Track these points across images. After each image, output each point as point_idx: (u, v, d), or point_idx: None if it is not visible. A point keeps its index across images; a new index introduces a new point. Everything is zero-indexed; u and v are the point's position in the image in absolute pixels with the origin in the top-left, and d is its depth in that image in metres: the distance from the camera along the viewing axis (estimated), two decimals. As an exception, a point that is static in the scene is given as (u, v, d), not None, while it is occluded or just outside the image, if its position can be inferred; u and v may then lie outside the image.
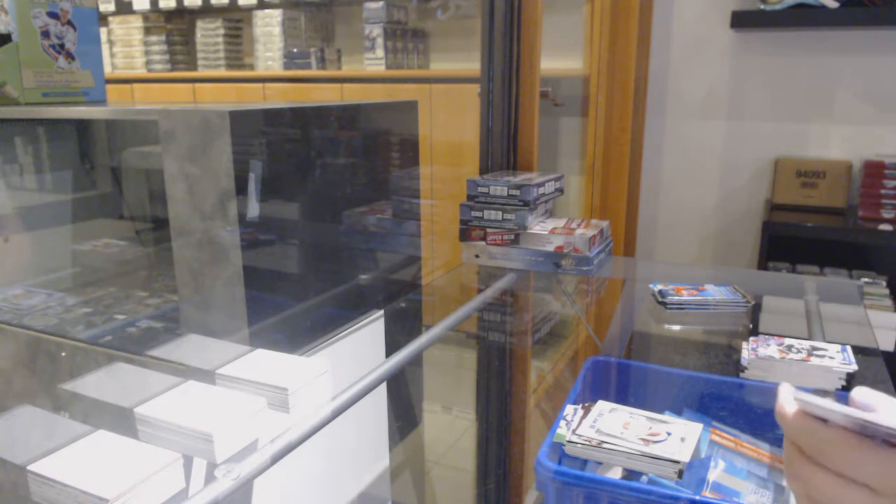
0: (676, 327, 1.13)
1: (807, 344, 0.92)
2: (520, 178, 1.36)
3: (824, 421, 0.43)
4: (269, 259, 0.88)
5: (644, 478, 0.74)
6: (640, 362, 0.95)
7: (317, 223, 0.96)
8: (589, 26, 2.28)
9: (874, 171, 2.07)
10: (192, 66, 3.41)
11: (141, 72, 3.43)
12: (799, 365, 0.87)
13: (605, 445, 0.70)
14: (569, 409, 0.77)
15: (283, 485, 0.83)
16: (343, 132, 1.00)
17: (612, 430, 0.72)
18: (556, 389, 1.44)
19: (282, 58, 3.09)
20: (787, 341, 0.93)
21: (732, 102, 2.34)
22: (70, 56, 1.08)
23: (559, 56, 2.52)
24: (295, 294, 0.92)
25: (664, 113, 2.45)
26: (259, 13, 3.13)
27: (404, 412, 1.18)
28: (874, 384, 0.47)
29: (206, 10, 3.27)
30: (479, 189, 1.32)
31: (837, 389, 0.86)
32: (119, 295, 1.04)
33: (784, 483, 0.83)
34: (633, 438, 0.71)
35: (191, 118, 0.80)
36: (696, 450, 0.69)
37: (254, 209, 0.82)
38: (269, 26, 3.11)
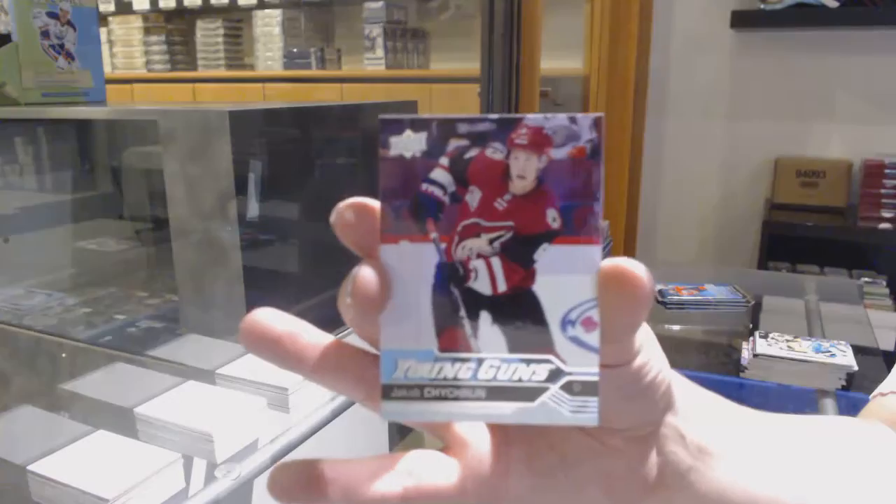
0: (676, 327, 1.13)
1: (807, 343, 0.92)
2: (520, 177, 1.35)
3: None
4: (270, 259, 0.88)
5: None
6: (640, 362, 0.95)
7: (317, 223, 0.95)
8: (589, 26, 2.28)
9: (874, 170, 2.07)
10: (192, 66, 3.41)
11: (141, 72, 3.43)
12: (799, 364, 0.87)
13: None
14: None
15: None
16: (343, 132, 1.00)
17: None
18: (556, 389, 1.44)
19: (282, 58, 3.09)
20: (788, 341, 0.93)
21: (732, 102, 2.34)
22: (70, 56, 1.08)
23: (559, 56, 2.52)
24: (295, 294, 0.92)
25: (664, 113, 2.45)
26: (259, 13, 3.13)
27: (404, 412, 1.17)
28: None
29: (206, 10, 3.27)
30: (479, 189, 1.31)
31: (838, 389, 0.86)
32: (119, 295, 1.04)
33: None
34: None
35: (190, 118, 0.80)
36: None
37: (254, 209, 0.82)
38: (268, 26, 3.11)
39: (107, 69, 3.40)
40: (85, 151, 1.23)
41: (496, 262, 0.23)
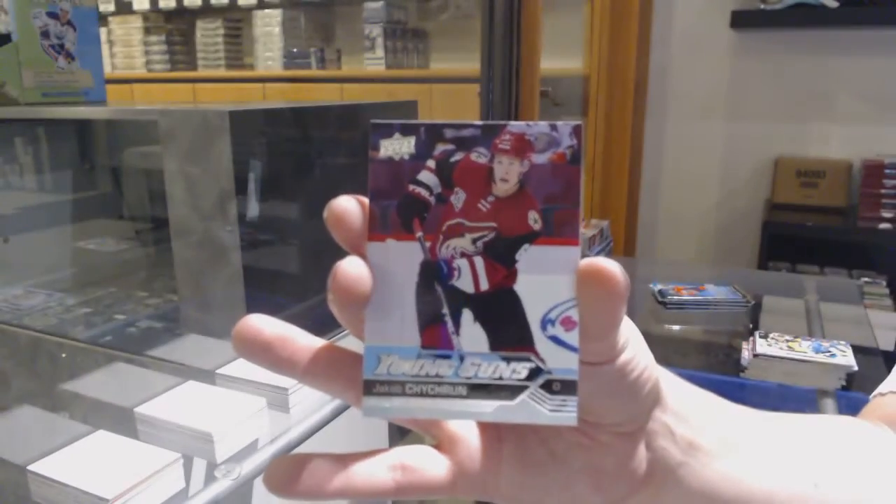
0: (676, 327, 1.13)
1: (807, 343, 0.92)
2: (520, 177, 1.35)
3: None
4: (270, 259, 0.88)
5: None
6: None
7: (317, 223, 0.95)
8: (589, 26, 2.28)
9: (874, 170, 2.07)
10: (192, 66, 3.41)
11: (141, 72, 3.43)
12: (799, 364, 0.87)
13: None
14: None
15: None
16: (343, 132, 1.00)
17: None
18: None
19: (282, 58, 3.08)
20: (788, 341, 0.93)
21: (732, 102, 2.34)
22: (70, 56, 1.08)
23: (559, 56, 2.52)
24: (295, 294, 0.92)
25: (664, 112, 2.45)
26: (259, 13, 3.13)
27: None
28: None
29: (206, 10, 3.27)
30: (479, 189, 1.31)
31: (838, 389, 0.86)
32: (119, 295, 1.04)
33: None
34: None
35: (190, 118, 0.80)
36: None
37: (254, 209, 0.82)
38: (268, 26, 3.11)
39: (107, 69, 3.40)
40: (85, 151, 1.23)
41: (479, 262, 0.24)
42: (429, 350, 0.24)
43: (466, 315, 0.24)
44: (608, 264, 0.22)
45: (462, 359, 0.24)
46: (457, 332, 0.24)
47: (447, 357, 0.24)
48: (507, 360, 0.24)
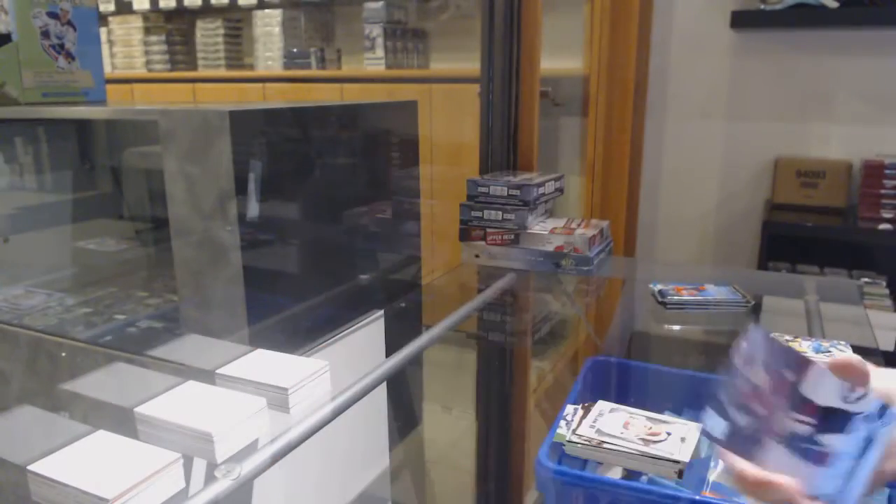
0: (677, 327, 1.13)
1: (807, 344, 0.92)
2: (520, 178, 1.36)
3: None
4: (269, 259, 0.88)
5: (644, 478, 0.74)
6: (640, 362, 0.95)
7: (317, 223, 0.96)
8: (589, 26, 2.28)
9: (874, 170, 2.07)
10: (192, 66, 3.41)
11: (141, 72, 3.43)
12: (799, 365, 0.87)
13: (605, 445, 0.70)
14: (569, 409, 0.76)
15: (283, 485, 0.83)
16: (343, 132, 1.00)
17: (612, 429, 0.72)
18: (555, 389, 1.44)
19: (282, 58, 3.08)
20: (788, 341, 0.93)
21: (732, 102, 2.34)
22: (70, 56, 1.08)
23: (559, 56, 2.52)
24: (295, 294, 0.92)
25: (664, 113, 2.45)
26: (259, 13, 3.13)
27: (404, 412, 1.18)
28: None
29: (206, 10, 3.27)
30: (479, 189, 1.32)
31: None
32: (119, 295, 1.04)
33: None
34: (633, 438, 0.71)
35: (191, 118, 0.80)
36: (696, 450, 0.70)
37: (254, 209, 0.82)
38: (268, 26, 3.11)
39: (107, 69, 3.40)
40: (85, 151, 1.23)
41: (796, 413, 0.47)
42: (824, 482, 0.44)
43: (828, 441, 0.46)
44: (843, 357, 0.49)
45: (843, 459, 0.45)
46: (830, 457, 0.46)
47: (834, 465, 0.45)
48: (856, 436, 0.45)
